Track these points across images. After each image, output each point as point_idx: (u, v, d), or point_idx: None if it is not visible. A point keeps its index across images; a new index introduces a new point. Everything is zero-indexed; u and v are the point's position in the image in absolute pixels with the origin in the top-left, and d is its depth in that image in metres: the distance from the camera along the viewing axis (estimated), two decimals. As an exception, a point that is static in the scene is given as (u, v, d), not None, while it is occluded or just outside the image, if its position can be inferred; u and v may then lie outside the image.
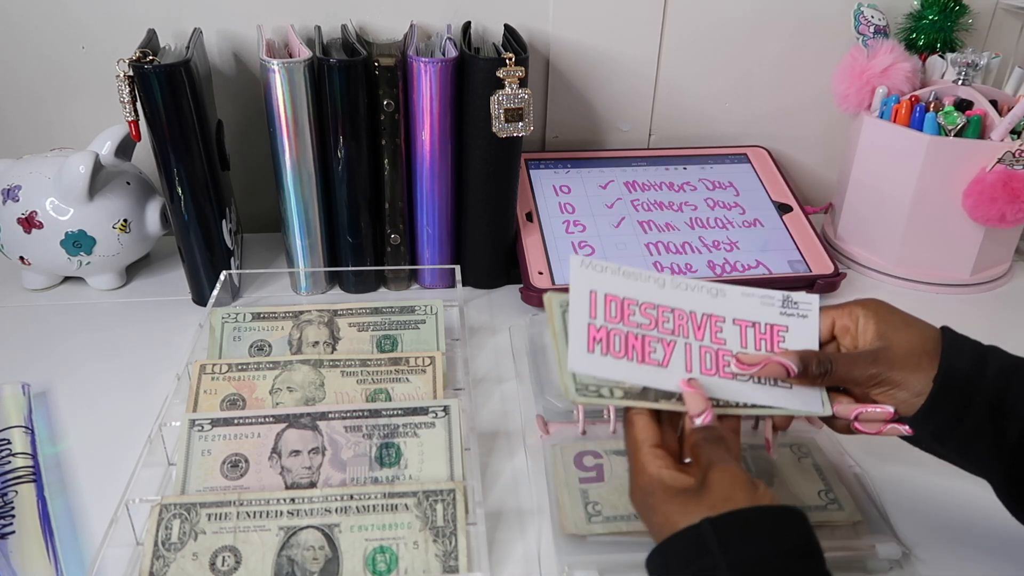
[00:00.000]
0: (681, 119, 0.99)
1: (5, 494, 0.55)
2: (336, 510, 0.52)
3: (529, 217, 0.85)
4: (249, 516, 0.51)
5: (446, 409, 0.59)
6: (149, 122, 0.70)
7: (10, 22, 0.85)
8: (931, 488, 0.59)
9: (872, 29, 0.88)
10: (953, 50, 0.89)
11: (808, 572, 0.41)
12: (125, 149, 0.83)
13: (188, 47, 0.74)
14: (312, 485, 0.55)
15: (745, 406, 0.52)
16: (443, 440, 0.57)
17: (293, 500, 0.52)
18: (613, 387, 0.51)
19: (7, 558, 0.51)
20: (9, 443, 0.60)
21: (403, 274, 0.84)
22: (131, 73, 0.68)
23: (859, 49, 0.86)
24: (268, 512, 0.51)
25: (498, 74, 0.72)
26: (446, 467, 0.56)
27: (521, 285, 0.81)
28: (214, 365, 0.64)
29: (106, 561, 0.50)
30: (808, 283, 0.82)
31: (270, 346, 0.70)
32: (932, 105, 0.82)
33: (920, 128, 0.80)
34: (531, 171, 0.91)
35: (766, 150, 0.97)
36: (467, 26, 0.83)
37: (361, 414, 0.58)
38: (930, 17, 0.89)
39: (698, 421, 0.49)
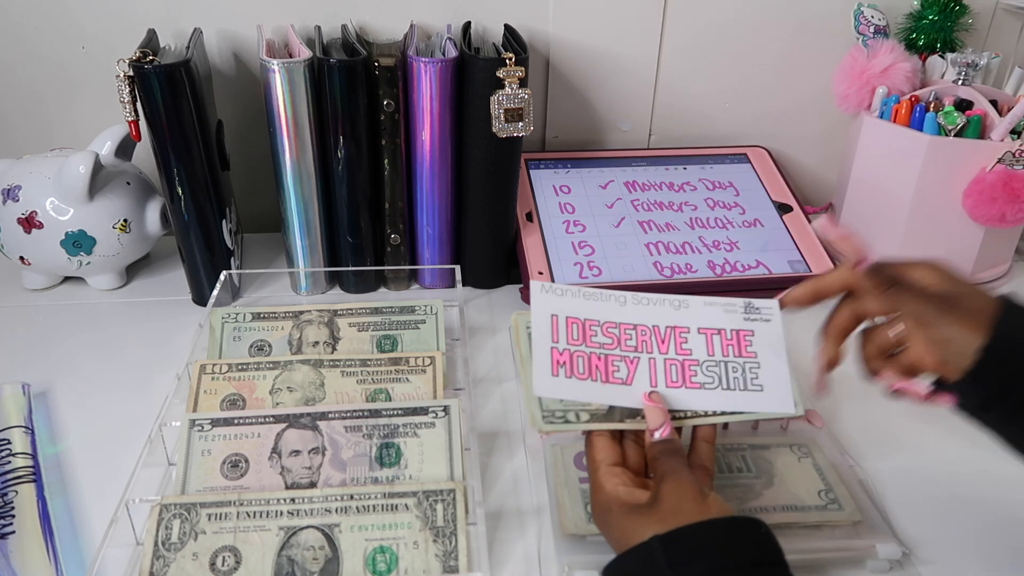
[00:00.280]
0: (681, 119, 0.99)
1: (5, 494, 0.55)
2: (336, 510, 0.52)
3: (529, 217, 0.85)
4: (249, 516, 0.51)
5: (446, 409, 0.59)
6: (149, 122, 0.70)
7: (10, 22, 0.85)
8: (931, 488, 0.59)
9: (872, 29, 0.88)
10: (953, 50, 0.89)
11: None
12: (125, 149, 0.83)
13: (188, 47, 0.74)
14: (312, 485, 0.55)
15: (714, 414, 0.53)
16: (443, 440, 0.57)
17: (293, 500, 0.52)
18: (579, 411, 0.52)
19: (7, 558, 0.51)
20: (9, 443, 0.60)
21: (403, 274, 0.84)
22: (131, 73, 0.68)
23: (859, 49, 0.86)
24: (268, 512, 0.51)
25: (498, 74, 0.72)
26: (446, 467, 0.56)
27: (521, 285, 0.81)
28: (214, 365, 0.64)
29: (106, 561, 0.50)
30: (808, 283, 0.82)
31: (270, 346, 0.70)
32: (932, 105, 0.82)
33: (920, 128, 0.80)
34: (531, 171, 0.91)
35: (766, 150, 0.97)
36: (467, 26, 0.83)
37: (361, 414, 0.58)
38: (930, 17, 0.89)
39: (657, 435, 0.50)
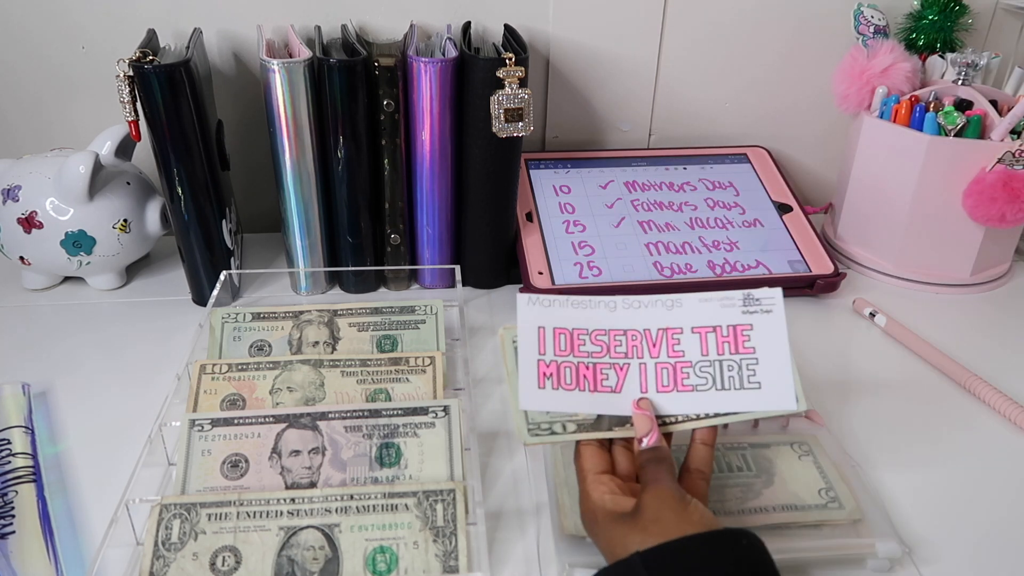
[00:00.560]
0: (681, 119, 0.99)
1: (5, 494, 0.55)
2: (336, 510, 0.52)
3: (529, 217, 0.85)
4: (249, 516, 0.51)
5: (446, 409, 0.59)
6: (149, 122, 0.70)
7: (10, 22, 0.85)
8: (932, 487, 0.59)
9: (872, 29, 0.88)
10: (953, 50, 0.89)
11: None
12: (125, 149, 0.83)
13: (188, 47, 0.74)
14: (312, 485, 0.55)
15: (708, 416, 0.52)
16: (443, 440, 0.57)
17: (293, 500, 0.52)
18: (566, 421, 0.52)
19: (7, 558, 0.51)
20: (9, 443, 0.59)
21: (403, 274, 0.84)
22: (131, 73, 0.68)
23: (859, 49, 0.86)
24: (268, 512, 0.51)
25: (498, 74, 0.72)
26: (446, 467, 0.56)
27: (521, 285, 0.81)
28: (214, 365, 0.64)
29: (106, 561, 0.50)
30: (808, 283, 0.82)
31: (270, 346, 0.70)
32: (932, 105, 0.82)
33: (920, 128, 0.80)
34: (531, 171, 0.91)
35: (766, 150, 0.97)
36: (467, 26, 0.83)
37: (361, 414, 0.58)
38: (930, 17, 0.89)
39: (645, 442, 0.50)
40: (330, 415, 0.58)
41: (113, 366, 0.72)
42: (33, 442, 0.61)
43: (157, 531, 0.50)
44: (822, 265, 0.83)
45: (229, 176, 0.86)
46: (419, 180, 0.79)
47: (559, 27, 0.90)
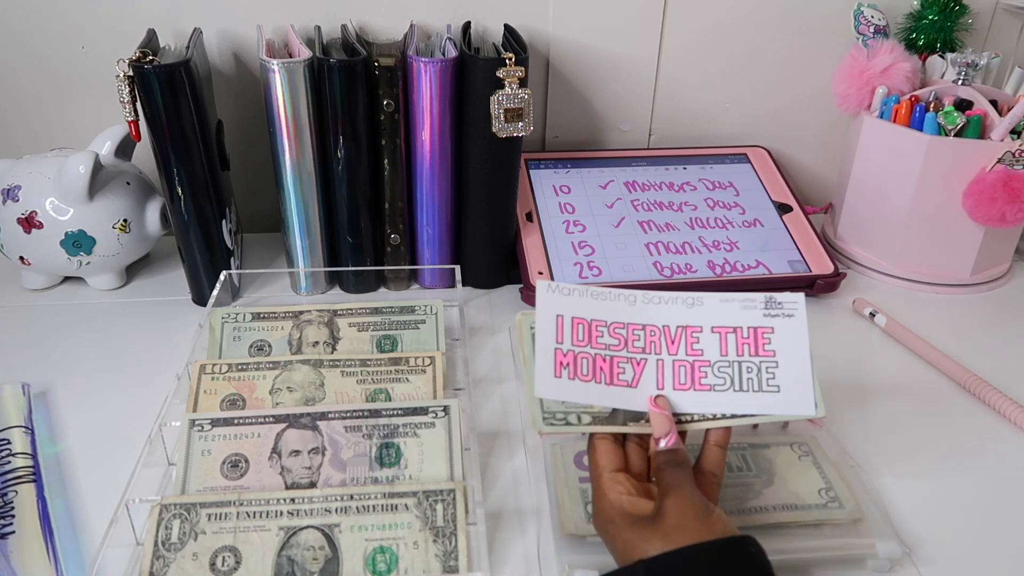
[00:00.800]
0: (681, 119, 0.99)
1: (5, 494, 0.55)
2: (336, 510, 0.52)
3: (529, 217, 0.85)
4: (249, 516, 0.51)
5: (446, 409, 0.59)
6: (149, 122, 0.70)
7: (10, 22, 0.85)
8: (932, 487, 0.59)
9: (872, 29, 0.88)
10: (953, 50, 0.89)
11: None
12: (125, 149, 0.83)
13: (188, 47, 0.74)
14: (312, 485, 0.55)
15: (724, 417, 0.51)
16: (443, 440, 0.57)
17: (293, 500, 0.52)
18: (581, 413, 0.51)
19: (7, 558, 0.51)
20: (9, 443, 0.59)
21: (403, 274, 0.84)
22: (131, 73, 0.68)
23: (859, 49, 0.86)
24: (268, 512, 0.51)
25: (498, 74, 0.72)
26: (446, 467, 0.56)
27: (521, 285, 0.81)
28: (214, 365, 0.64)
29: (106, 561, 0.50)
30: (808, 283, 0.82)
31: (270, 346, 0.70)
32: (932, 105, 0.82)
33: (920, 128, 0.80)
34: (531, 171, 0.91)
35: (766, 150, 0.97)
36: (467, 26, 0.83)
37: (361, 414, 0.58)
38: (930, 17, 0.89)
39: (662, 444, 0.49)
40: (330, 415, 0.58)
41: (113, 366, 0.72)
42: (33, 442, 0.61)
43: (157, 531, 0.50)
44: (822, 265, 0.83)
45: (229, 176, 0.86)
46: (419, 180, 0.79)
47: (559, 27, 0.90)
